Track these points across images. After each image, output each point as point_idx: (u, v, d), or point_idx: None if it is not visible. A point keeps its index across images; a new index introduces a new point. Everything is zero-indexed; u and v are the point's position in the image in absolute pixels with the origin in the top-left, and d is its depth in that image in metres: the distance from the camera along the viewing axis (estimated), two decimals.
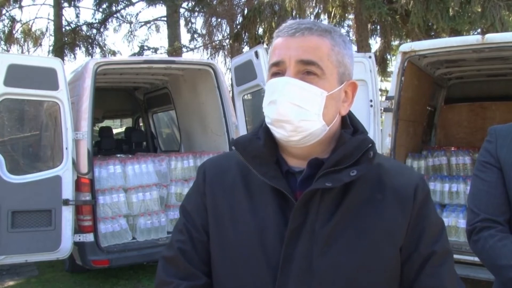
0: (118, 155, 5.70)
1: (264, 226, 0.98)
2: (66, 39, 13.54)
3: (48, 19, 14.16)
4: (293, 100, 0.95)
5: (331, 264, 0.94)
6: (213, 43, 12.82)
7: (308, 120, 0.96)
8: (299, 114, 0.95)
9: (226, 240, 1.02)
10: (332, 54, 0.97)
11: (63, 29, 13.65)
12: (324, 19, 11.91)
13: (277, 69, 0.98)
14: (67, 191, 4.09)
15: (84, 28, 14.03)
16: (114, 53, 14.18)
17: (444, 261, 1.02)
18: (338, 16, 11.14)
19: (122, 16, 14.22)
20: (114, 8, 13.76)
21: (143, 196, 4.79)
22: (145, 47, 13.28)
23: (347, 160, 0.97)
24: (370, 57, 4.59)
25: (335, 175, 0.96)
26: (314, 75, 0.96)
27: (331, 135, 1.01)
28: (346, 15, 11.42)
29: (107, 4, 13.36)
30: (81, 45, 13.80)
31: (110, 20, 14.11)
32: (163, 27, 14.14)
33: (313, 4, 11.07)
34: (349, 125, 1.05)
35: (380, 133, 4.37)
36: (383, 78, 13.54)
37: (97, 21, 13.97)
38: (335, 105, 0.99)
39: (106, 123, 9.45)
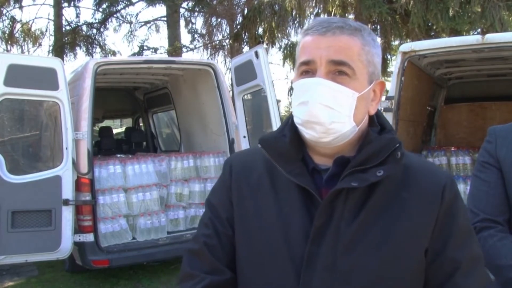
0: (118, 155, 5.70)
1: (289, 223, 0.99)
2: (66, 39, 13.53)
3: (48, 19, 14.16)
4: (325, 102, 0.94)
5: (354, 263, 0.94)
6: (213, 43, 12.81)
7: (339, 122, 0.95)
8: (330, 116, 0.95)
9: (251, 236, 1.03)
10: (363, 54, 0.97)
11: (63, 29, 13.64)
12: None
13: (307, 68, 0.97)
14: (67, 191, 4.09)
15: (84, 28, 14.04)
16: (114, 53, 14.18)
17: (474, 269, 1.00)
18: (338, 16, 11.14)
19: (122, 16, 14.21)
20: (114, 8, 13.75)
21: (143, 196, 4.79)
22: (145, 47, 13.27)
23: (374, 159, 0.96)
24: None
25: (361, 174, 0.95)
26: (345, 76, 0.95)
27: (359, 134, 1.01)
28: (346, 15, 11.41)
29: (107, 4, 13.35)
30: (81, 45, 13.80)
31: (110, 20, 14.10)
32: (163, 27, 14.14)
33: (313, 4, 11.06)
34: (376, 123, 1.04)
35: None
36: (383, 78, 13.54)
37: (97, 21, 13.97)
38: (365, 105, 0.99)
39: (106, 123, 9.45)
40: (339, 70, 0.95)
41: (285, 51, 12.30)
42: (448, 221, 0.98)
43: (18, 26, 14.05)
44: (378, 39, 12.73)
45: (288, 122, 1.05)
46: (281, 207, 1.01)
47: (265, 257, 1.00)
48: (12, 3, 13.45)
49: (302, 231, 0.97)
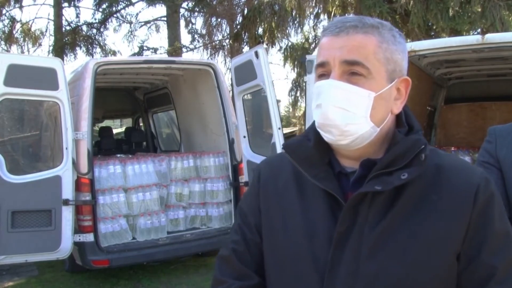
0: (118, 155, 5.70)
1: (314, 227, 0.97)
2: (66, 39, 13.53)
3: (48, 19, 14.17)
4: (339, 104, 0.92)
5: (378, 269, 0.91)
6: (213, 43, 12.81)
7: (355, 124, 0.92)
8: (345, 118, 0.92)
9: (276, 242, 1.03)
10: (379, 52, 0.93)
11: (63, 29, 13.65)
12: (324, 19, 11.90)
13: (323, 71, 0.95)
14: (67, 191, 4.09)
15: (84, 28, 14.04)
16: (114, 53, 14.18)
17: (511, 276, 0.94)
18: (338, 16, 11.14)
19: (122, 16, 14.21)
20: (114, 8, 13.75)
21: (143, 196, 4.79)
22: (145, 47, 13.26)
23: (399, 161, 0.93)
24: None
25: (386, 177, 0.92)
26: (360, 76, 0.92)
27: (383, 135, 0.97)
28: (346, 15, 11.42)
29: (107, 4, 13.36)
30: (81, 45, 13.80)
31: (110, 20, 14.10)
32: (163, 27, 14.14)
33: (313, 4, 11.06)
34: (404, 123, 1.00)
35: None
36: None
37: (97, 21, 13.97)
38: (385, 104, 0.95)
39: (106, 123, 9.45)
40: (353, 70, 0.92)
41: (285, 52, 12.30)
42: (482, 225, 0.93)
43: (18, 26, 14.06)
44: None
45: (313, 126, 1.02)
46: (307, 212, 1.00)
47: (290, 262, 0.99)
48: (12, 3, 13.45)
49: (326, 236, 0.95)
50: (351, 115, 0.92)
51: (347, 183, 0.99)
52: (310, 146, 1.01)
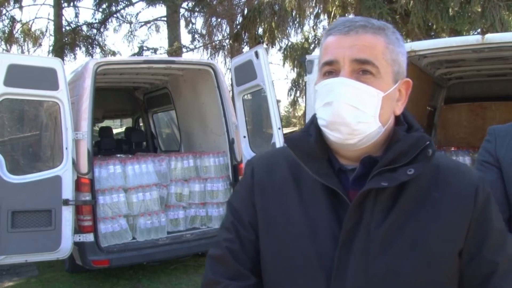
0: (118, 155, 5.70)
1: (316, 225, 0.96)
2: (66, 39, 13.53)
3: (48, 19, 14.18)
4: (350, 102, 0.92)
5: (388, 267, 0.91)
6: (213, 43, 12.81)
7: (365, 122, 0.93)
8: (356, 116, 0.92)
9: (277, 241, 1.00)
10: (387, 53, 0.95)
11: (63, 29, 13.65)
12: (324, 19, 11.91)
13: (330, 68, 0.95)
14: (67, 191, 4.09)
15: (84, 28, 14.04)
16: (114, 53, 14.17)
17: (510, 270, 0.98)
18: (338, 16, 11.14)
19: (122, 16, 14.21)
20: (114, 8, 13.75)
21: (143, 196, 4.79)
22: (145, 48, 13.26)
23: (403, 158, 0.94)
24: None
25: (391, 174, 0.93)
26: (370, 75, 0.93)
27: (386, 134, 0.98)
28: (346, 15, 11.41)
29: (106, 4, 13.35)
30: (81, 46, 13.80)
31: (110, 20, 14.11)
32: (163, 27, 14.14)
33: (313, 4, 11.06)
34: (403, 122, 1.01)
35: None
36: None
37: (97, 21, 13.98)
38: (390, 105, 0.97)
39: (106, 123, 9.45)
40: (363, 69, 0.93)
41: (285, 52, 12.30)
42: (483, 223, 0.96)
43: (18, 26, 14.06)
44: None
45: (313, 121, 1.02)
46: (307, 209, 0.98)
47: (293, 261, 0.97)
48: (12, 3, 13.45)
49: (330, 234, 0.94)
50: (362, 114, 0.92)
51: (347, 180, 0.98)
52: (312, 142, 1.00)
